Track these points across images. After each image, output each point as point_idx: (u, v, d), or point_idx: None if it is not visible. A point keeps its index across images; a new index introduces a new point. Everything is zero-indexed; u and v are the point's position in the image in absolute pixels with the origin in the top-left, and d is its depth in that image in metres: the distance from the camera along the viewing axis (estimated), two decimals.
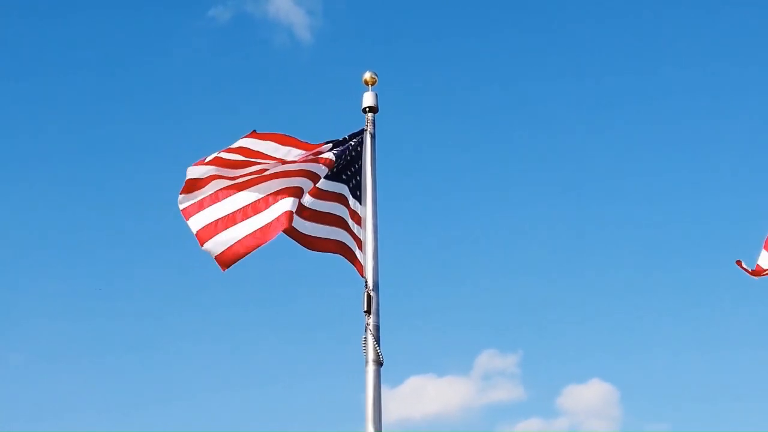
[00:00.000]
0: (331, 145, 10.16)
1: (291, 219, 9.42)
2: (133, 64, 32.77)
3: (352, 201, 10.19)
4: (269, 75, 33.18)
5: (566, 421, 29.68)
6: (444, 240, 32.43)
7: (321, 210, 10.02)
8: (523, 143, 33.79)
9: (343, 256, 10.00)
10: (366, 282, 9.72)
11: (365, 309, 9.56)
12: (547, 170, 33.57)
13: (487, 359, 30.74)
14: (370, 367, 9.33)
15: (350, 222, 10.08)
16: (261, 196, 9.53)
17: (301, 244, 9.90)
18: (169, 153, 31.07)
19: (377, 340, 9.46)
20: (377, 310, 9.61)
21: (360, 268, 9.87)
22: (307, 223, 9.91)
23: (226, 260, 9.46)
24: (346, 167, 10.18)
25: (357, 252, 9.97)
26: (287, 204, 9.38)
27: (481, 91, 33.97)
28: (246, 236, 9.44)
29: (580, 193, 33.67)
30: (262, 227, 9.44)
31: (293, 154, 10.00)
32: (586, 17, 34.83)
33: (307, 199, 9.88)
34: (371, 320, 9.51)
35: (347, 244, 10.00)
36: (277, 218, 9.39)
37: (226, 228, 9.47)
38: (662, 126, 33.78)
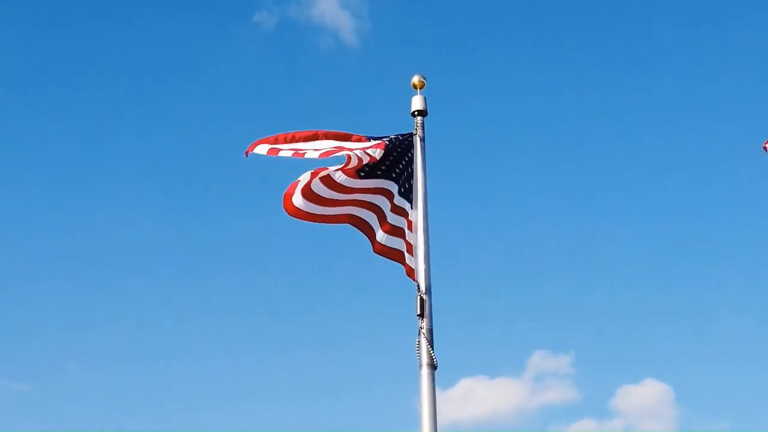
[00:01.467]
0: (377, 143, 10.16)
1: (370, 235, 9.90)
2: (180, 71, 33.07)
3: (398, 199, 10.22)
4: (316, 80, 33.32)
5: (621, 422, 29.45)
6: (494, 242, 32.36)
7: (394, 224, 10.14)
8: (573, 147, 33.65)
9: (397, 260, 10.09)
10: (418, 286, 9.73)
11: (418, 313, 9.58)
12: (596, 173, 33.37)
13: (540, 360, 30.60)
14: (425, 371, 9.34)
15: (407, 231, 10.13)
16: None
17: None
18: (215, 160, 31.31)
19: (431, 343, 9.47)
20: (430, 313, 9.62)
21: (411, 271, 9.89)
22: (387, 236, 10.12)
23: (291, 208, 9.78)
24: (394, 165, 10.20)
25: (407, 256, 10.00)
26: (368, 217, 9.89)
27: (530, 94, 33.87)
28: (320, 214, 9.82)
29: (630, 194, 33.43)
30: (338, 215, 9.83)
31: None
32: (637, 22, 34.59)
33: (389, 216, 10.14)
34: (424, 324, 9.53)
35: (403, 252, 10.05)
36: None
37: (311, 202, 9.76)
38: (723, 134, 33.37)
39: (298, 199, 9.86)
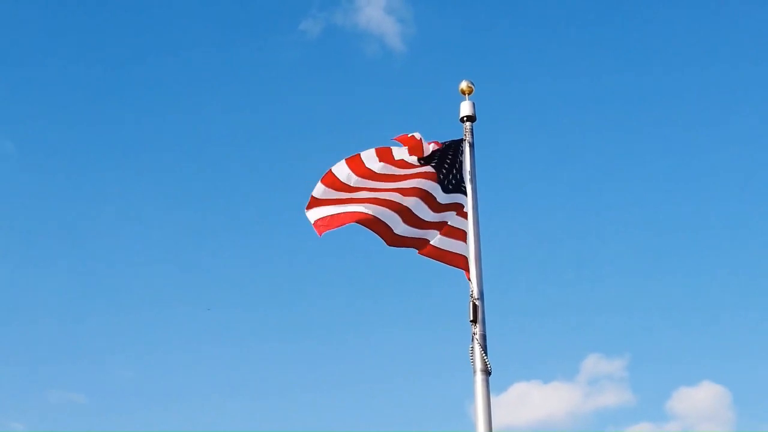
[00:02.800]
0: (432, 151, 10.16)
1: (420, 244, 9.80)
2: (227, 81, 33.32)
3: (443, 197, 10.13)
4: (363, 86, 33.42)
5: (678, 425, 29.15)
6: (545, 247, 32.20)
7: (446, 222, 10.05)
8: (623, 149, 33.39)
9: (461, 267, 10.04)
10: (471, 291, 9.73)
11: (471, 318, 9.57)
12: (647, 175, 33.09)
13: (593, 364, 30.39)
14: (479, 377, 9.33)
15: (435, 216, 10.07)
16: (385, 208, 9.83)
17: (433, 257, 10.01)
18: (265, 168, 31.49)
19: (484, 349, 9.46)
20: (483, 319, 9.61)
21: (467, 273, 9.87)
22: (443, 238, 10.01)
23: (322, 225, 9.71)
24: (440, 166, 10.18)
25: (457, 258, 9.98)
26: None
27: (579, 98, 33.67)
28: (352, 213, 9.76)
29: (684, 194, 33.10)
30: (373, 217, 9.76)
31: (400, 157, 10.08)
32: (683, 19, 34.25)
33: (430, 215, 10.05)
34: (477, 329, 9.52)
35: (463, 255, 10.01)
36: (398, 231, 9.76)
37: (338, 211, 9.75)
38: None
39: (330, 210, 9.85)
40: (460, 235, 10.02)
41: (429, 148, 10.12)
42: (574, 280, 31.30)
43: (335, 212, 9.82)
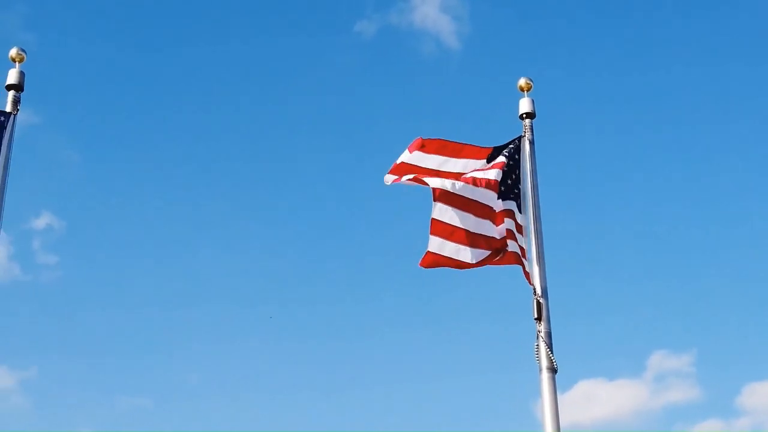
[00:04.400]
0: (496, 160, 10.10)
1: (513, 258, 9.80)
2: (283, 84, 33.50)
3: (519, 215, 10.10)
4: (420, 85, 33.33)
5: (748, 421, 28.66)
6: (609, 242, 31.89)
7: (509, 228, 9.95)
8: (688, 144, 32.96)
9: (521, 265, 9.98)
10: (534, 289, 9.67)
11: (535, 316, 9.52)
12: (713, 169, 32.61)
13: (660, 360, 30.01)
14: (545, 375, 9.28)
15: (517, 235, 10.06)
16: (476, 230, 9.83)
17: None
18: (322, 171, 31.63)
19: (549, 346, 9.40)
20: (547, 316, 9.55)
21: (527, 274, 9.83)
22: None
23: (430, 262, 9.71)
24: (510, 180, 10.11)
25: (524, 261, 9.93)
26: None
27: (639, 93, 33.30)
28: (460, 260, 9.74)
29: (751, 187, 32.57)
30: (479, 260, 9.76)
31: (460, 165, 10.03)
32: (756, 10, 33.72)
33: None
34: (542, 327, 9.46)
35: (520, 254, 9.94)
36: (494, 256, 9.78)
37: (454, 242, 9.71)
38: None
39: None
40: (523, 252, 9.94)
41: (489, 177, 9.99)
42: (639, 276, 30.97)
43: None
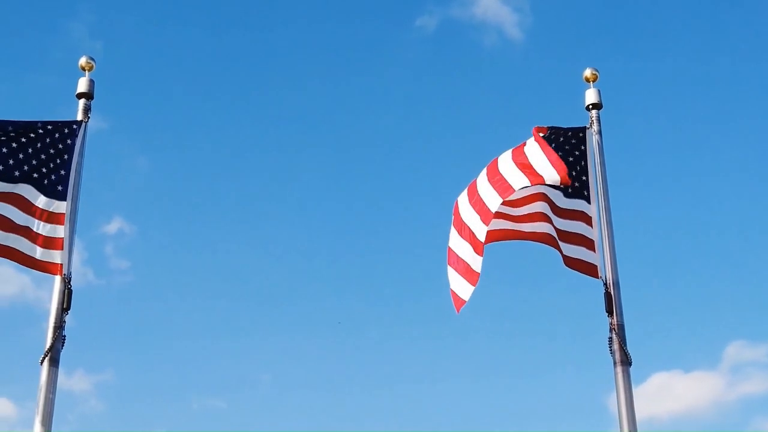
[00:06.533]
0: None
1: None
2: (346, 81, 33.57)
3: (564, 201, 9.92)
4: (483, 78, 33.17)
5: None
6: (681, 232, 31.43)
7: (565, 230, 9.87)
8: (759, 135, 32.36)
9: (585, 272, 9.80)
10: (604, 282, 9.56)
11: (607, 309, 9.41)
12: None
13: (736, 351, 29.48)
14: (619, 368, 9.16)
15: (559, 221, 9.86)
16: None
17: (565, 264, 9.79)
18: (385, 166, 31.68)
19: (623, 339, 9.28)
20: (620, 309, 9.43)
21: (593, 270, 9.72)
22: (563, 244, 9.81)
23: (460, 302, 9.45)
24: (577, 174, 10.01)
25: (588, 253, 9.78)
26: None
27: (709, 82, 32.74)
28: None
29: None
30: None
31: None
32: None
33: (555, 220, 9.86)
34: (614, 320, 9.34)
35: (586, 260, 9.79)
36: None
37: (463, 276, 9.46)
38: None
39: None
40: (586, 242, 9.84)
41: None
42: (712, 265, 30.48)
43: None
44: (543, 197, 9.84)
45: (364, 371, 27.52)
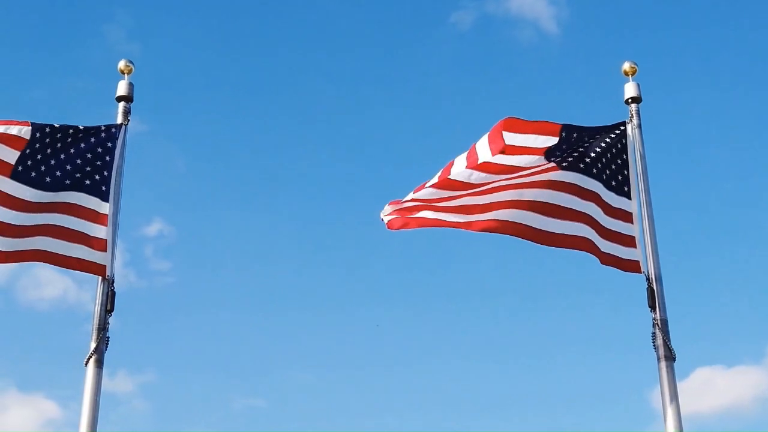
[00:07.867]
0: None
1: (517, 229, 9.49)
2: (381, 78, 33.56)
3: (606, 195, 9.76)
4: (520, 73, 33.04)
5: None
6: (723, 227, 31.14)
7: (558, 204, 9.59)
8: None
9: (587, 250, 9.59)
10: (647, 276, 9.50)
11: (649, 304, 9.34)
12: None
13: None
14: (663, 364, 9.09)
15: (602, 218, 9.67)
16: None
17: (534, 241, 9.54)
18: (417, 164, 31.61)
19: (666, 334, 9.22)
20: (663, 303, 9.36)
21: (636, 265, 9.64)
22: (542, 218, 9.53)
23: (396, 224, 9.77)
24: (596, 160, 9.81)
25: (603, 244, 9.59)
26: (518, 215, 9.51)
27: (751, 73, 32.37)
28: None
29: None
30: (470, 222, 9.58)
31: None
32: None
33: (540, 193, 9.59)
34: (657, 315, 9.28)
35: (591, 239, 9.57)
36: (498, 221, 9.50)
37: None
38: None
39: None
40: (625, 239, 9.70)
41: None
42: (756, 258, 30.17)
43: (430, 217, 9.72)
44: (594, 196, 9.69)
45: (404, 372, 27.54)
